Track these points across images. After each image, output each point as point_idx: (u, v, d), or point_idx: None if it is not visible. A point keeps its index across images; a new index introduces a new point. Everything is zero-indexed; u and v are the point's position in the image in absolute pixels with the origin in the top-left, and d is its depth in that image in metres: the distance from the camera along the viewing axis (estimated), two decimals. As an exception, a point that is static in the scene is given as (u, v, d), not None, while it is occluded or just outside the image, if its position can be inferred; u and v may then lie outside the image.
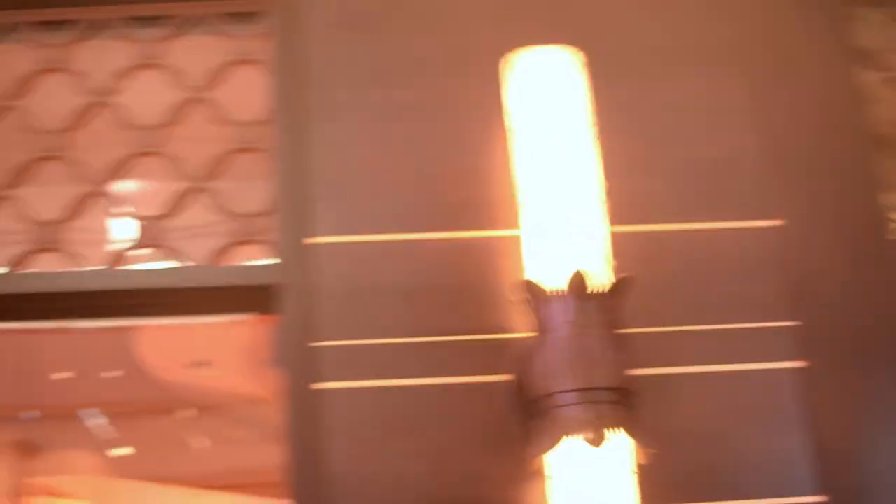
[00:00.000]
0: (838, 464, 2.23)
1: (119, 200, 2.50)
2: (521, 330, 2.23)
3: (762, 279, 2.35)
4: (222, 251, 2.45)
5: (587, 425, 2.00)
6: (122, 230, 2.49)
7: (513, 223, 2.31)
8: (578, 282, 2.06)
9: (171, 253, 2.45)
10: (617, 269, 2.15)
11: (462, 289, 2.31)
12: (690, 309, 2.32)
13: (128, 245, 2.46)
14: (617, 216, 2.29)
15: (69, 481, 5.75)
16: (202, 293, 2.41)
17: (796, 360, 2.29)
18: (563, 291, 2.06)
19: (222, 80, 2.61)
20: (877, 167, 2.50)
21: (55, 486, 5.71)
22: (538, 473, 2.15)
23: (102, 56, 2.62)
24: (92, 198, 2.50)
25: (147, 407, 5.18)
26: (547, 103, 2.22)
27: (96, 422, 5.28)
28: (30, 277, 2.43)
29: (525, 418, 2.18)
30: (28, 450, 5.46)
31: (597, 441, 1.99)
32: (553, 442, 2.02)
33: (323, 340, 2.28)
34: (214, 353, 4.32)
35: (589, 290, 2.06)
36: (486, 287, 2.30)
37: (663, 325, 2.30)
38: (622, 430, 2.01)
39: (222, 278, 2.41)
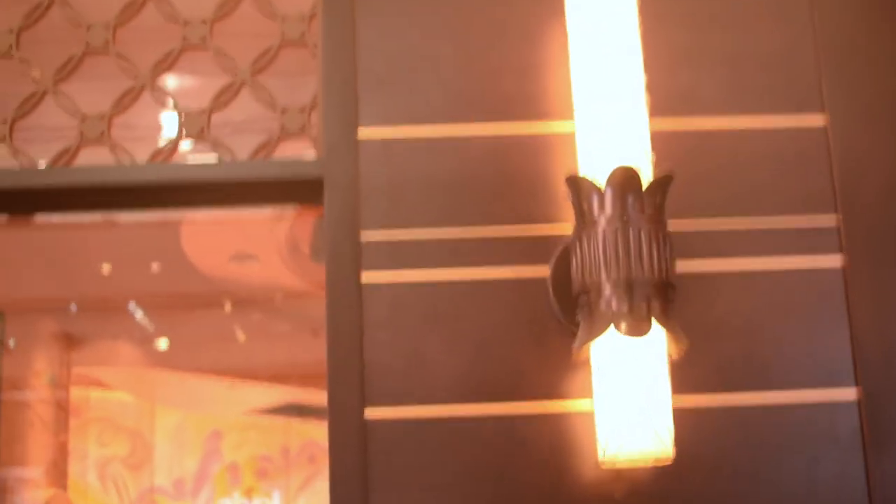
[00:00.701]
0: (874, 361, 2.25)
1: (165, 95, 2.51)
2: (565, 224, 2.25)
3: (805, 175, 2.34)
4: (267, 145, 2.46)
5: (628, 318, 2.02)
6: (168, 124, 2.51)
7: (561, 116, 2.32)
8: (621, 177, 2.06)
9: (217, 147, 2.47)
10: (659, 164, 2.16)
11: (507, 181, 2.32)
12: (732, 204, 2.32)
13: (174, 139, 2.48)
14: (661, 110, 2.29)
15: (112, 373, 5.86)
16: (247, 187, 2.42)
17: (836, 256, 2.30)
18: (606, 186, 2.07)
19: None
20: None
21: (98, 377, 5.82)
22: (578, 365, 2.19)
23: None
24: (138, 92, 2.51)
25: (190, 300, 5.25)
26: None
27: (140, 314, 5.35)
28: (76, 171, 2.45)
29: (566, 311, 2.21)
30: (72, 341, 5.55)
31: (638, 332, 2.01)
32: (594, 334, 2.05)
33: (367, 233, 2.31)
34: (258, 247, 4.35)
35: (631, 186, 2.06)
36: (532, 180, 2.32)
37: (705, 220, 2.31)
38: (662, 322, 2.03)
39: (267, 172, 2.41)
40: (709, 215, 2.31)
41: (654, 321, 2.02)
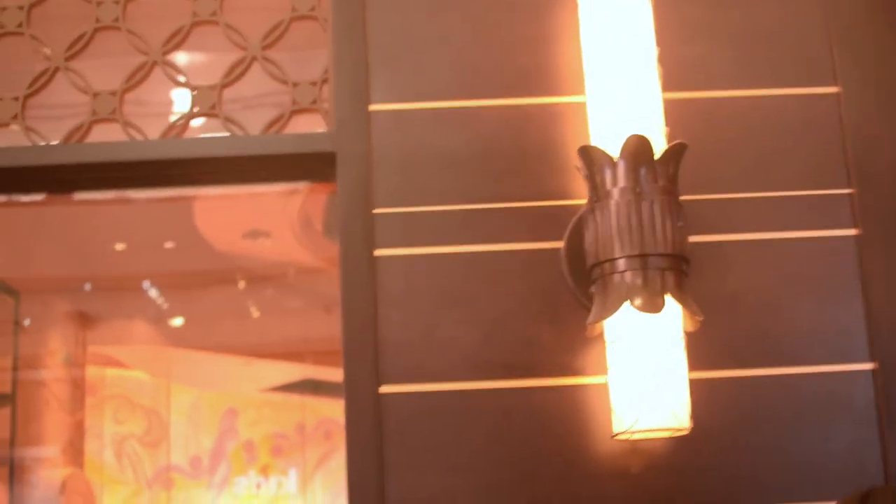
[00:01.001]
0: (889, 332, 2.24)
1: (176, 70, 2.51)
2: (577, 197, 2.25)
3: (818, 147, 2.33)
4: (279, 120, 2.45)
5: (642, 292, 2.02)
6: (179, 100, 2.50)
7: (572, 90, 2.31)
8: (634, 147, 2.05)
9: (229, 122, 2.46)
10: (672, 136, 2.15)
11: (519, 156, 2.31)
12: (745, 176, 2.31)
13: (185, 115, 2.47)
14: (673, 82, 2.28)
15: (127, 351, 5.88)
16: (259, 162, 2.41)
17: (850, 228, 2.29)
18: (618, 157, 2.06)
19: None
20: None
21: (113, 355, 5.84)
22: (593, 340, 2.19)
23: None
24: (149, 68, 2.50)
25: (204, 277, 5.26)
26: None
27: (154, 292, 5.37)
28: (88, 148, 2.45)
29: (580, 285, 2.20)
30: (87, 320, 5.57)
31: (652, 308, 2.01)
32: (609, 309, 2.04)
33: (380, 208, 2.30)
34: (271, 223, 4.35)
35: (644, 156, 2.05)
36: (543, 154, 2.31)
37: (718, 192, 2.30)
38: (676, 296, 2.02)
39: (279, 147, 2.41)
40: (722, 188, 2.30)
41: (668, 295, 2.01)
